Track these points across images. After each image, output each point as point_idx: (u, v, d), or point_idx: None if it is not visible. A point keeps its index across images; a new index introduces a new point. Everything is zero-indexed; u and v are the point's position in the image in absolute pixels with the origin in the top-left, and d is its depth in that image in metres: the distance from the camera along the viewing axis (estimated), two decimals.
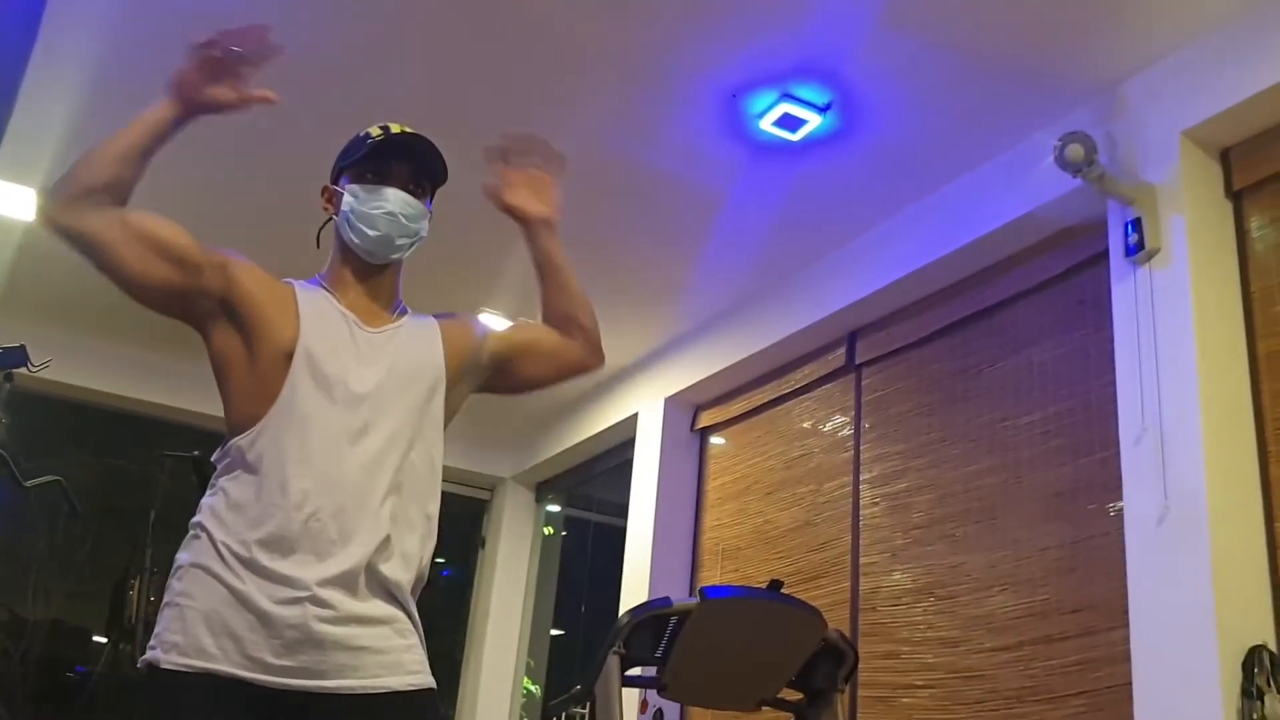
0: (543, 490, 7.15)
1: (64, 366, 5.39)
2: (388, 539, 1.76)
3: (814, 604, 3.29)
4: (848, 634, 4.05)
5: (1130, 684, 2.95)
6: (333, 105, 3.78)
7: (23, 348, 4.29)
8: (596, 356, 2.14)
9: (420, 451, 1.84)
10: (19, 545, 6.23)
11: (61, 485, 4.55)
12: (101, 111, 4.00)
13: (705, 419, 5.49)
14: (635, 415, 5.74)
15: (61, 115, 4.03)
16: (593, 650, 3.13)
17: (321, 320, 1.83)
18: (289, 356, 1.77)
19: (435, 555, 1.88)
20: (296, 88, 3.72)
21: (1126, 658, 3.01)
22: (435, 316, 2.00)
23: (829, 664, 3.20)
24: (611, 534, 6.12)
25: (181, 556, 1.73)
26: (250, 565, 1.67)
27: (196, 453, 5.37)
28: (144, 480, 6.19)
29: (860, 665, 3.79)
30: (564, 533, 7.32)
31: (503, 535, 7.03)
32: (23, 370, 4.34)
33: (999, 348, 3.92)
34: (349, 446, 1.76)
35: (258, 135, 4.04)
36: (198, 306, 1.80)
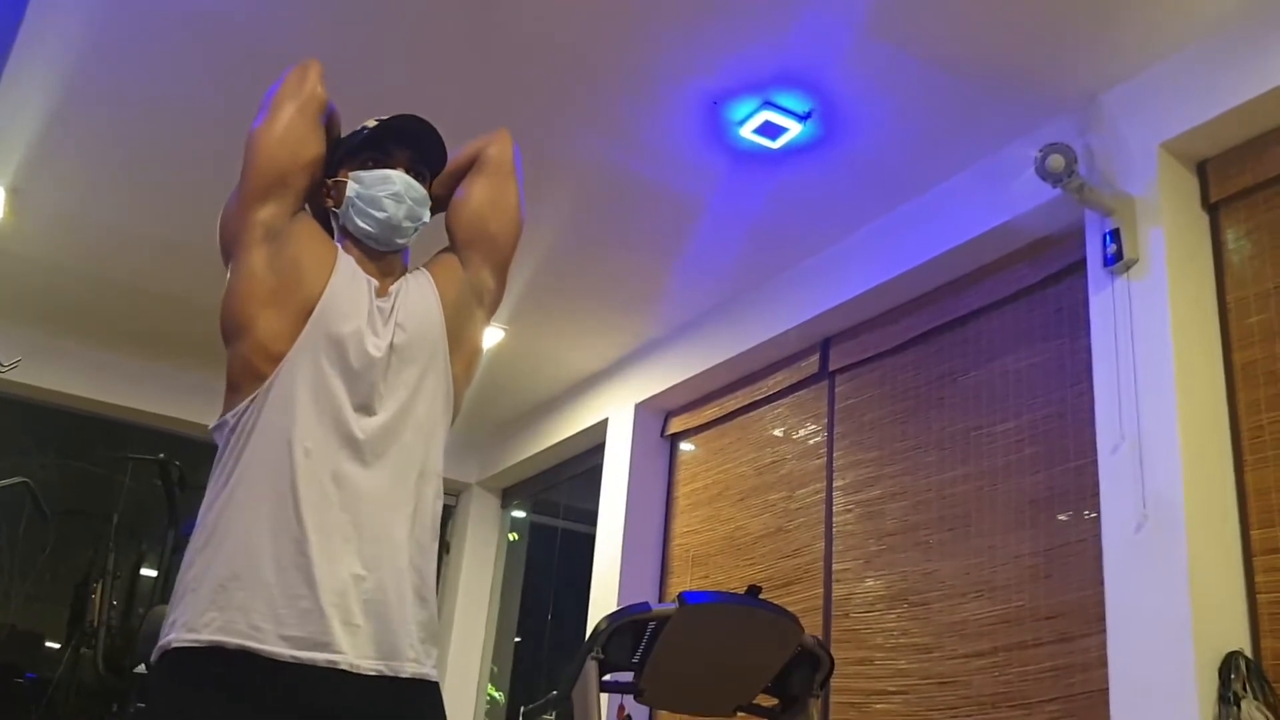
0: (509, 496, 7.12)
1: (27, 367, 5.31)
2: (403, 503, 1.75)
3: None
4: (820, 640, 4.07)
5: (1104, 690, 2.99)
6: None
7: None
8: (496, 143, 2.09)
9: (430, 412, 1.83)
10: None
11: (29, 488, 4.48)
12: (75, 110, 3.95)
13: (676, 425, 5.49)
14: (605, 420, 5.73)
15: (33, 113, 3.98)
16: (559, 657, 3.11)
17: (349, 282, 1.82)
18: (309, 313, 1.76)
19: None
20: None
21: (1101, 664, 3.05)
22: (427, 265, 1.99)
23: (805, 670, 3.21)
24: (577, 540, 6.11)
25: (195, 541, 1.70)
26: (253, 532, 1.65)
27: (161, 455, 5.31)
28: (107, 483, 6.11)
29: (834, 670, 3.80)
30: (529, 539, 7.30)
31: (467, 540, 6.99)
32: None
33: (974, 356, 3.95)
34: (357, 410, 1.74)
35: (225, 122, 3.99)
36: (266, 209, 1.81)
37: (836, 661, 4.00)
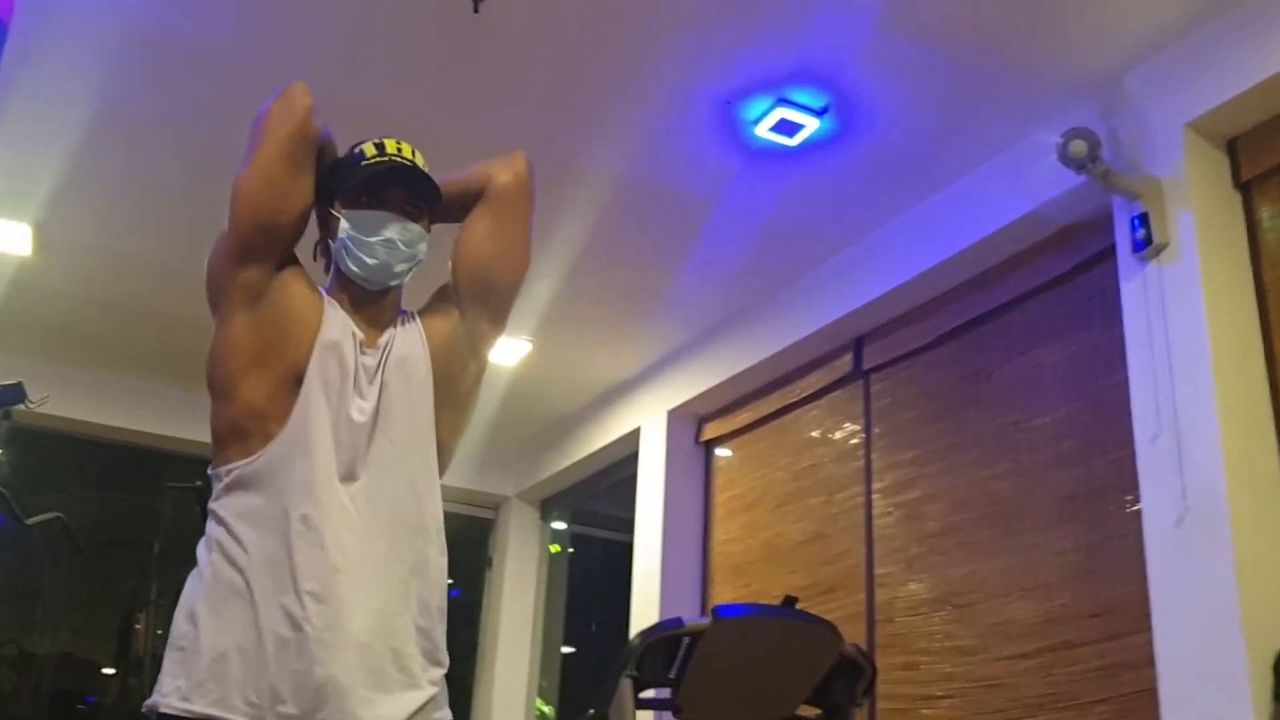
0: (548, 507, 7.09)
1: (62, 400, 5.34)
2: (403, 564, 1.71)
3: (829, 617, 3.23)
4: (864, 646, 4.00)
5: (1154, 689, 2.89)
6: (324, 119, 3.73)
7: (20, 384, 4.23)
8: (508, 170, 1.96)
9: (419, 470, 1.79)
10: (24, 581, 6.18)
11: (63, 522, 4.48)
12: (96, 145, 3.96)
13: (710, 431, 5.43)
14: (638, 429, 5.67)
15: (57, 152, 4.00)
16: (605, 669, 3.08)
17: (334, 343, 1.76)
18: (295, 376, 1.71)
19: None
20: None
21: (1150, 662, 2.95)
22: (420, 312, 1.92)
23: (846, 679, 3.15)
24: (619, 550, 6.06)
25: (190, 598, 1.67)
26: (250, 603, 1.61)
27: (199, 483, 5.32)
28: (147, 513, 6.15)
29: (878, 677, 3.72)
30: (571, 549, 7.26)
31: (509, 554, 6.96)
32: (20, 406, 4.28)
33: (1007, 349, 3.86)
34: (343, 479, 1.70)
35: (236, 148, 3.99)
36: (249, 270, 1.75)
37: (881, 668, 3.93)
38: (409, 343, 1.84)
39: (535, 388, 5.91)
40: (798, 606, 3.15)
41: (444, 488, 1.84)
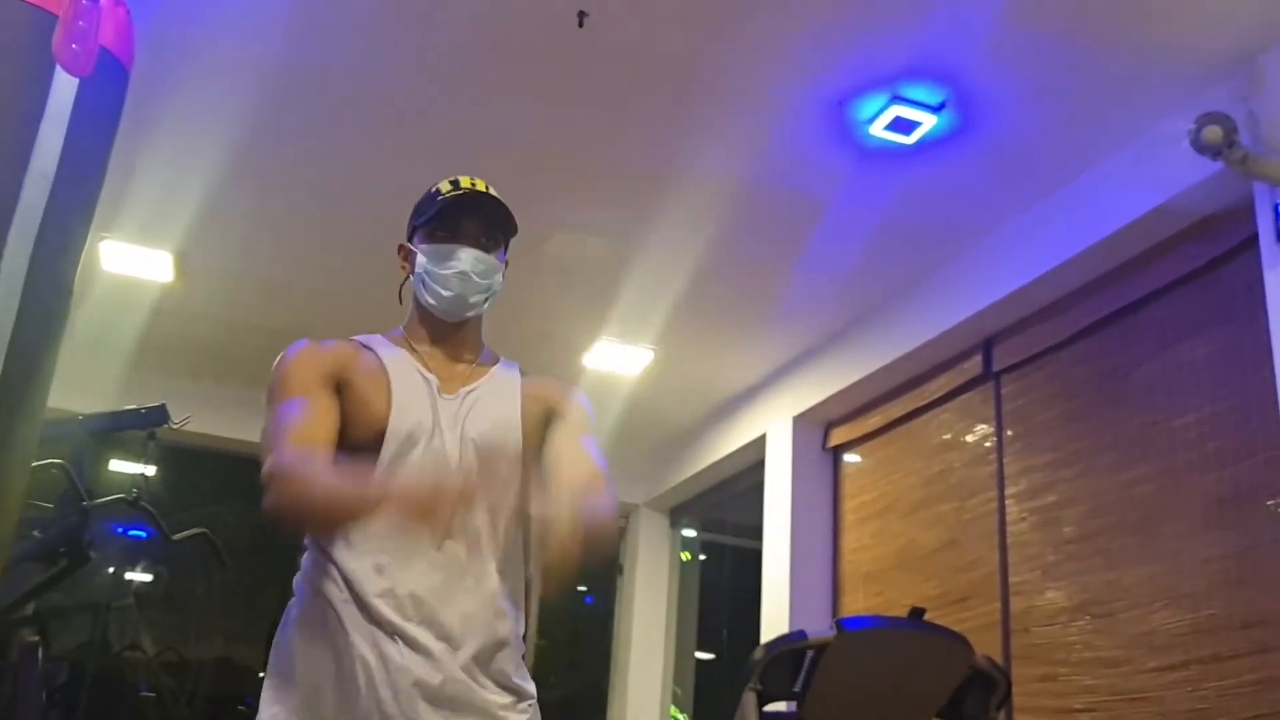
0: (677, 515, 7.07)
1: (205, 417, 5.52)
2: (485, 612, 1.72)
3: (963, 627, 3.14)
4: (999, 657, 3.86)
5: None
6: (440, 142, 3.79)
7: (163, 407, 4.37)
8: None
9: (503, 510, 1.77)
10: (178, 592, 6.44)
11: (208, 538, 4.61)
12: (236, 178, 4.10)
13: (837, 436, 5.33)
14: (764, 436, 5.60)
15: (195, 183, 4.14)
16: (740, 675, 3.05)
17: (409, 395, 1.77)
18: (380, 435, 1.72)
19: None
20: (403, 130, 3.75)
21: None
22: (529, 376, 1.91)
23: (979, 692, 3.06)
24: (750, 557, 6.01)
25: (289, 626, 1.71)
26: (339, 638, 1.65)
27: None
28: None
29: (1015, 689, 3.60)
30: (702, 557, 7.22)
31: (640, 562, 6.96)
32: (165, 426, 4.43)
33: (1145, 347, 3.69)
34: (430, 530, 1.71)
35: (360, 172, 4.07)
36: None
37: (1017, 679, 3.80)
38: (499, 395, 1.84)
39: (659, 396, 5.89)
40: (927, 617, 3.06)
41: None
